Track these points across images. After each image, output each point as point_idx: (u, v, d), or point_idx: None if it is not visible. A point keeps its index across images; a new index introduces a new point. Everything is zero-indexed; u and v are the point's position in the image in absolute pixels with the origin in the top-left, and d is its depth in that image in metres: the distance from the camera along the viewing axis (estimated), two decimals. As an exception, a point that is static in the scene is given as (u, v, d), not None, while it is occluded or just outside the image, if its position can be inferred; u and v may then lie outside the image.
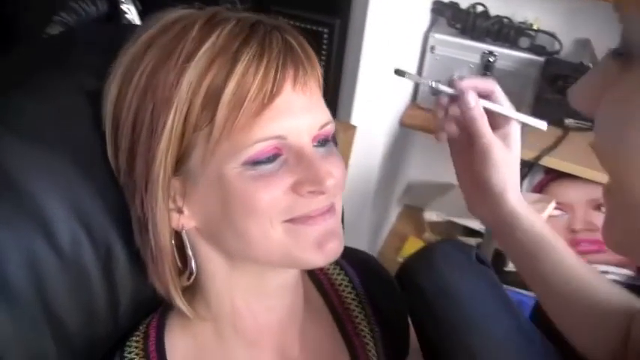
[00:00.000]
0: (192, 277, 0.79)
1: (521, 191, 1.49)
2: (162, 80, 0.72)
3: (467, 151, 0.91)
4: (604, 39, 2.02)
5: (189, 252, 0.79)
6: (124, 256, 0.81)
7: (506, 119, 0.87)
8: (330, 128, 0.78)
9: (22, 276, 0.73)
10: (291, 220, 0.75)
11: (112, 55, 0.80)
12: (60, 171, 0.76)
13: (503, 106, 0.87)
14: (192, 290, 0.82)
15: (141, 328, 0.83)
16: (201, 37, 0.72)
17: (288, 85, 0.73)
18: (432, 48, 2.09)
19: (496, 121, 0.87)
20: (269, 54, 0.72)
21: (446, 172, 2.69)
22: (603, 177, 1.53)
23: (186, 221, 0.77)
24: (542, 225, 0.92)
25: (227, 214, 0.74)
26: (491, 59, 2.03)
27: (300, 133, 0.74)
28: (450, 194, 2.52)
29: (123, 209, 0.78)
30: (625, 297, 0.91)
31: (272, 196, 0.73)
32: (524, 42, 2.01)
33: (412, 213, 2.61)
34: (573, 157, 1.53)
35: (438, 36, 2.08)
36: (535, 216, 0.91)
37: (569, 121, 1.63)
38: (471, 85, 0.86)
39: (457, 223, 2.36)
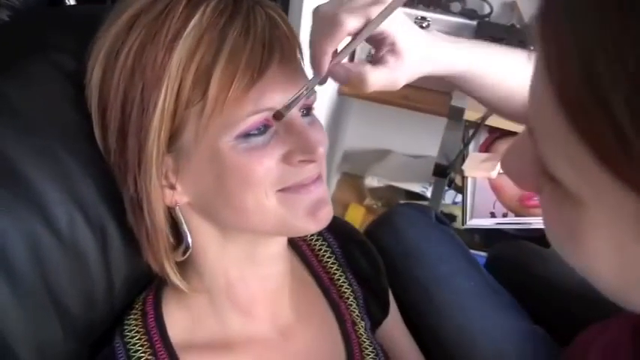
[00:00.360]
0: (189, 252, 0.80)
1: (468, 152, 1.55)
2: (151, 59, 0.72)
3: None
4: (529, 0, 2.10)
5: (185, 227, 0.79)
6: (118, 235, 0.81)
7: (377, 34, 0.76)
8: (314, 97, 0.81)
9: (27, 262, 0.72)
10: (284, 190, 0.77)
11: (87, 36, 0.79)
12: (52, 154, 0.76)
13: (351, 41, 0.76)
14: (185, 264, 0.83)
15: (137, 306, 0.84)
16: (187, 15, 0.73)
17: (275, 59, 0.74)
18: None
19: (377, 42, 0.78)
20: (254, 29, 0.73)
21: (383, 138, 2.76)
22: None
23: (180, 197, 0.78)
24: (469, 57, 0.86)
25: (222, 187, 0.75)
26: (424, 25, 2.07)
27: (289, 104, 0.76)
28: (388, 160, 2.57)
29: (113, 189, 0.79)
30: None
31: (266, 166, 0.75)
32: (455, 7, 2.06)
33: (352, 180, 2.65)
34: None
35: (370, 3, 2.10)
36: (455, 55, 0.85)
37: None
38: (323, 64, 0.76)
39: (398, 187, 2.42)
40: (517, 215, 1.35)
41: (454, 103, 1.56)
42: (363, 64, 0.75)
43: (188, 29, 0.72)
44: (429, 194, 2.43)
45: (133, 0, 0.77)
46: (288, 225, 0.78)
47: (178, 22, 0.72)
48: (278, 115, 0.74)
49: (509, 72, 0.89)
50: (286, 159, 0.76)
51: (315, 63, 0.73)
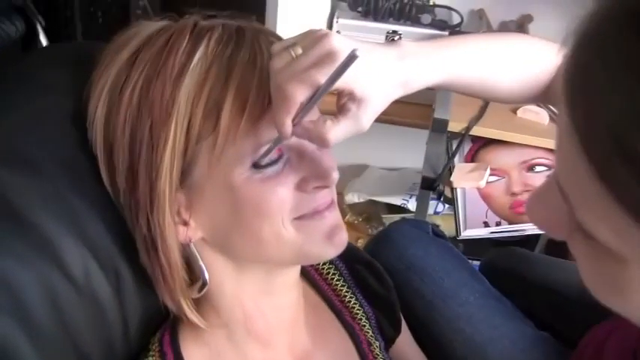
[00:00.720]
0: (206, 288, 0.79)
1: (453, 163, 1.56)
2: (158, 95, 0.71)
3: None
4: (496, 7, 2.12)
5: (201, 263, 0.78)
6: (130, 276, 0.79)
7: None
8: None
9: (45, 312, 0.71)
10: (299, 218, 0.76)
11: (83, 75, 0.79)
12: (60, 198, 0.75)
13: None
14: (200, 300, 0.82)
15: (153, 347, 0.82)
16: (191, 48, 0.72)
17: None
18: (338, 33, 2.12)
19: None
20: (261, 57, 0.73)
21: (359, 153, 2.76)
22: (529, 139, 1.61)
23: (193, 233, 0.77)
24: (440, 66, 0.83)
25: (238, 220, 0.74)
26: (395, 38, 2.08)
27: None
28: (366, 174, 2.57)
29: (123, 230, 0.77)
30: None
31: (282, 196, 0.74)
32: (425, 18, 2.06)
33: (331, 197, 2.64)
34: (499, 123, 1.61)
35: (342, 21, 2.10)
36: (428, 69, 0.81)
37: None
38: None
39: (378, 201, 2.41)
40: (510, 223, 1.36)
41: (437, 115, 1.57)
42: (323, 122, 0.71)
43: (194, 62, 0.71)
44: (410, 206, 2.43)
45: (130, 36, 0.76)
46: (306, 252, 0.78)
47: (183, 55, 0.72)
48: (256, 166, 0.73)
49: (490, 64, 0.89)
50: (300, 186, 0.75)
51: (278, 130, 0.70)
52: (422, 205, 1.91)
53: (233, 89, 0.70)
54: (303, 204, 0.76)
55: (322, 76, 0.66)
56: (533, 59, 0.90)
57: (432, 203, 2.14)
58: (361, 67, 0.67)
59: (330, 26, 2.14)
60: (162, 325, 0.84)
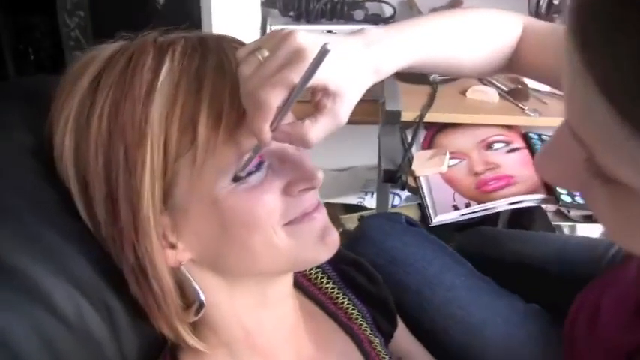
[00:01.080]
0: (203, 310, 0.76)
1: (412, 152, 1.56)
2: (129, 117, 0.68)
3: None
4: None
5: (195, 285, 0.75)
6: (122, 308, 0.76)
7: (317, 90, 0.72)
8: None
9: (42, 358, 0.67)
10: (290, 223, 0.74)
11: (39, 108, 0.75)
12: (39, 239, 0.71)
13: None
14: (197, 323, 0.79)
15: None
16: (156, 64, 0.70)
17: None
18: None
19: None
20: (229, 64, 0.71)
21: (313, 158, 2.75)
22: (482, 118, 1.62)
23: (182, 255, 0.74)
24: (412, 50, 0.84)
25: (228, 234, 0.72)
26: (330, 39, 2.07)
27: None
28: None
29: (107, 262, 0.74)
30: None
31: (269, 203, 0.72)
32: (358, 14, 2.07)
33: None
34: (450, 107, 1.61)
35: (275, 27, 2.09)
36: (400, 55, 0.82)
37: (433, 76, 1.70)
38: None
39: (335, 203, 2.41)
40: (479, 203, 1.36)
41: (389, 107, 1.57)
42: (302, 124, 0.69)
43: (161, 78, 0.69)
44: (366, 203, 2.43)
45: (88, 61, 0.73)
46: (299, 257, 0.76)
47: (148, 72, 0.69)
48: (237, 179, 0.71)
49: (452, 42, 0.90)
50: (287, 191, 0.73)
51: (257, 139, 0.68)
52: (383, 199, 1.91)
53: (206, 101, 0.68)
54: (292, 208, 0.74)
55: (295, 75, 0.64)
56: (494, 32, 0.91)
57: (390, 196, 2.15)
58: (332, 60, 0.64)
59: (263, 33, 2.13)
60: (161, 353, 0.81)
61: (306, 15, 2.08)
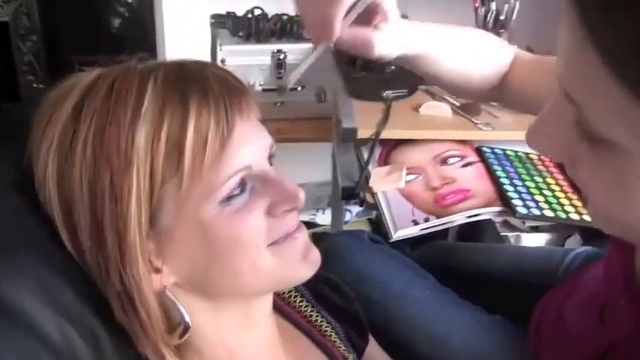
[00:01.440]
0: (188, 333, 0.77)
1: (368, 169, 1.58)
2: (114, 144, 0.69)
3: None
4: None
5: (181, 308, 0.76)
6: (107, 335, 0.76)
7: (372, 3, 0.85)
8: (274, 145, 0.80)
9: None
10: (274, 243, 0.76)
11: (18, 138, 0.75)
12: (23, 269, 0.70)
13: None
14: (181, 346, 0.79)
15: None
16: (139, 91, 0.70)
17: (237, 116, 0.73)
18: (223, 61, 2.11)
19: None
20: (212, 90, 0.72)
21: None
22: (436, 134, 1.66)
23: (166, 279, 0.75)
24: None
25: (214, 256, 0.73)
26: (281, 57, 2.09)
27: (260, 158, 0.76)
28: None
29: (92, 289, 0.74)
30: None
31: (254, 225, 0.74)
32: (307, 33, 2.09)
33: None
34: (404, 124, 1.65)
35: (226, 47, 2.10)
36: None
37: (386, 93, 1.73)
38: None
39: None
40: (438, 217, 1.39)
41: (345, 125, 1.59)
42: (369, 29, 0.84)
43: (145, 105, 0.69)
44: (318, 220, 2.45)
45: (67, 88, 0.74)
46: (284, 276, 0.78)
47: (132, 99, 0.70)
48: (282, 90, 0.76)
49: (467, 55, 0.99)
50: (270, 212, 0.75)
51: (327, 28, 0.78)
52: (338, 215, 1.93)
53: (192, 126, 0.69)
54: (275, 229, 0.76)
55: None
56: (497, 51, 0.97)
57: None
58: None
59: (214, 54, 2.13)
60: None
61: (256, 35, 2.10)
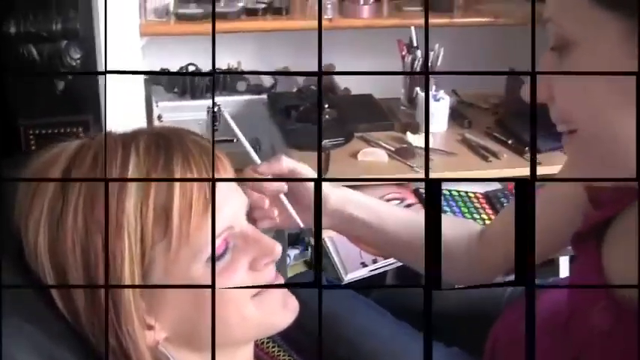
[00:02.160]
0: None
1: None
2: (104, 210, 0.73)
3: None
4: (301, 62, 2.23)
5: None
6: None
7: None
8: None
9: None
10: (256, 294, 0.81)
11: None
12: (24, 333, 0.73)
13: None
14: None
15: None
16: (123, 160, 0.74)
17: (216, 176, 0.78)
18: (159, 117, 2.14)
19: None
20: (191, 154, 0.77)
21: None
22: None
23: (158, 335, 0.78)
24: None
25: (202, 312, 0.77)
26: (216, 110, 2.14)
27: (240, 216, 0.81)
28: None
29: (88, 349, 0.77)
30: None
31: (239, 282, 0.79)
32: (241, 86, 2.15)
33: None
34: (343, 170, 1.70)
35: (161, 104, 2.13)
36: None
37: (324, 143, 1.80)
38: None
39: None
40: (385, 258, 1.45)
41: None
42: None
43: (130, 171, 0.74)
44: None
45: (49, 161, 0.77)
46: (267, 325, 0.83)
47: (117, 167, 0.74)
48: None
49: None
50: (252, 267, 0.80)
51: None
52: (282, 260, 1.98)
53: (177, 192, 0.74)
54: (257, 282, 0.81)
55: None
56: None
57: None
58: None
59: (150, 111, 2.15)
60: None
61: (191, 90, 2.14)
